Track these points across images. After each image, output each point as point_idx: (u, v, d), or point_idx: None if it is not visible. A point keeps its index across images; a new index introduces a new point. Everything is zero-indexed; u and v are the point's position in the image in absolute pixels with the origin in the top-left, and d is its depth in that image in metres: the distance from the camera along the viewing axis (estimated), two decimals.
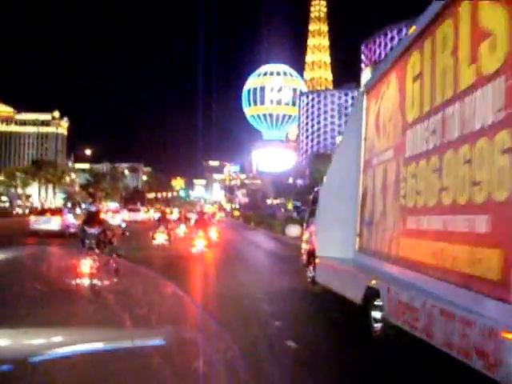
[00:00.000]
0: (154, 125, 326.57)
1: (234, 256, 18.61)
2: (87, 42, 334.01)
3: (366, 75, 76.21)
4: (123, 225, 22.11)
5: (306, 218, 12.54)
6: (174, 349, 2.08)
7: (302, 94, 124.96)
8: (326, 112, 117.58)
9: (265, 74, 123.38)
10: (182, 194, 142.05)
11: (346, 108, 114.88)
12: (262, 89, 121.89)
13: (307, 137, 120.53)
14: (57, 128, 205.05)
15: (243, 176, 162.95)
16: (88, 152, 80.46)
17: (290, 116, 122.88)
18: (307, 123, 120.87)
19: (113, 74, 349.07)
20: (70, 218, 25.18)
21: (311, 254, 10.69)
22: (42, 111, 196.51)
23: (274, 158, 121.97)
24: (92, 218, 10.44)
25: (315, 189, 12.21)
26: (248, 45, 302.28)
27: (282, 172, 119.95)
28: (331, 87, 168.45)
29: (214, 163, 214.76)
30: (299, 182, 54.51)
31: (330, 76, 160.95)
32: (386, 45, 73.25)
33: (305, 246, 11.88)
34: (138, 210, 52.45)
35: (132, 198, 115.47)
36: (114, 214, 36.31)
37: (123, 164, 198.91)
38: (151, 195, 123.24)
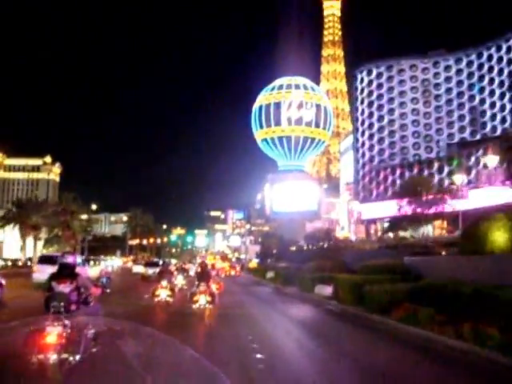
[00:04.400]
0: (153, 175, 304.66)
1: None
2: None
3: None
4: (104, 280, 20.74)
5: None
6: None
7: (356, 69, 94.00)
8: (402, 94, 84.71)
9: (280, 88, 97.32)
10: (174, 239, 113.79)
11: (437, 85, 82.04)
12: (277, 105, 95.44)
13: (371, 136, 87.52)
14: (48, 174, 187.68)
15: (248, 225, 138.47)
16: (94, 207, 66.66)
17: (312, 140, 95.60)
18: (370, 114, 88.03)
19: (109, 121, 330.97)
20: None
21: None
22: (32, 156, 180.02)
23: (293, 193, 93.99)
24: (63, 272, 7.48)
25: None
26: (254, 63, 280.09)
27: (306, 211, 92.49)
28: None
29: (215, 213, 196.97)
30: None
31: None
32: None
33: None
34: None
35: (104, 246, 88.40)
36: None
37: (121, 214, 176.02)
38: (135, 241, 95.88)
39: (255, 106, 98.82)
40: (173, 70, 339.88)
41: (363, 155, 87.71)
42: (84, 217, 64.54)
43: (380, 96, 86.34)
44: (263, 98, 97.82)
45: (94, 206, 67.67)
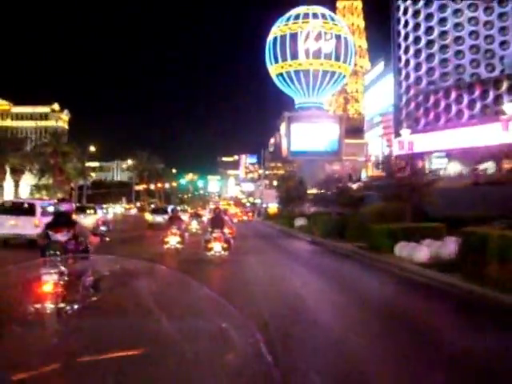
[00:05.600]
0: (164, 119, 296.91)
1: None
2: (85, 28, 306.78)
3: None
4: (103, 228, 20.42)
5: None
6: None
7: None
8: (457, 13, 64.45)
9: (296, 18, 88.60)
10: (184, 183, 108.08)
11: (502, 2, 59.98)
12: (294, 36, 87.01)
13: (417, 52, 68.60)
14: (56, 121, 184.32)
15: (262, 169, 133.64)
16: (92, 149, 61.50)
17: (332, 74, 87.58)
18: (416, 25, 68.51)
19: (118, 62, 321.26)
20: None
21: None
22: (40, 104, 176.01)
23: (312, 131, 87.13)
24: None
25: None
26: None
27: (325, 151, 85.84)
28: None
29: (228, 158, 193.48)
30: None
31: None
32: None
33: None
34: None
35: (108, 193, 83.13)
36: None
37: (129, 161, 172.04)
38: (142, 187, 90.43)
39: (269, 39, 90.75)
40: (183, 6, 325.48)
41: (407, 77, 70.84)
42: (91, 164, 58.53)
43: (429, 2, 68.27)
44: (278, 29, 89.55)
45: (92, 148, 61.58)
